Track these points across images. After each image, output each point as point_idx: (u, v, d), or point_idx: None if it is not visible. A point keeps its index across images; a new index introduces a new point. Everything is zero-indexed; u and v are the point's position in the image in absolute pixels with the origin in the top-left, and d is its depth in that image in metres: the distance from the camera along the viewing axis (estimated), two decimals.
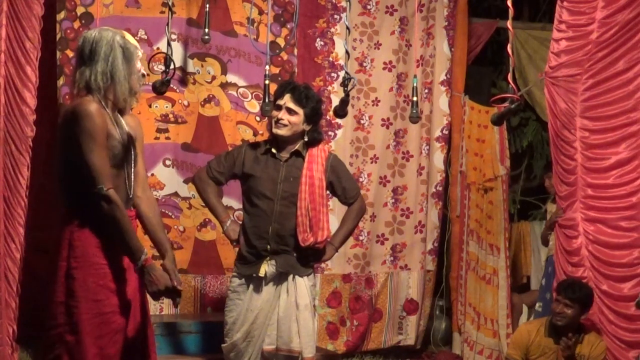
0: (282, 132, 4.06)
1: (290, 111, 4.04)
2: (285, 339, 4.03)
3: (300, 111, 4.05)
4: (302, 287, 4.06)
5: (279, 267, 4.04)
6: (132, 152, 3.21)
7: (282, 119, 4.03)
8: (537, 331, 4.55)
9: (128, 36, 3.21)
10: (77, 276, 2.96)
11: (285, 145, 4.11)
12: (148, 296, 3.17)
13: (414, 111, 3.99)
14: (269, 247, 4.04)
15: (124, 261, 3.10)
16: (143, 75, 3.26)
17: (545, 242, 5.80)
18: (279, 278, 4.06)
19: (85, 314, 2.95)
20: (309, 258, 4.13)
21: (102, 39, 3.10)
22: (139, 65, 3.22)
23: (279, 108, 4.06)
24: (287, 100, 4.05)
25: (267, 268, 4.03)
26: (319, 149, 4.15)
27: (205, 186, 4.24)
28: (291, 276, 4.06)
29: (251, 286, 4.06)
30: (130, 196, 3.19)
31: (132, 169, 3.20)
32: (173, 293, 3.13)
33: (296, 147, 4.11)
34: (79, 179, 3.02)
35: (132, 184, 3.19)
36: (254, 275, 4.04)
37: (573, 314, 4.41)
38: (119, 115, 3.19)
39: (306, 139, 4.11)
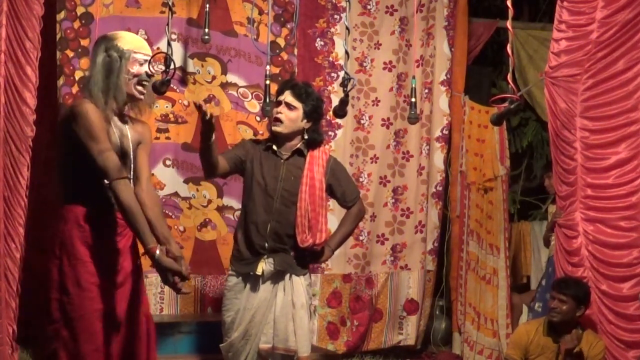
0: (279, 129, 4.05)
1: (289, 106, 4.04)
2: (281, 338, 4.02)
3: (300, 106, 4.05)
4: (298, 286, 4.06)
5: (277, 265, 4.03)
6: (131, 157, 3.26)
7: (280, 113, 4.04)
8: (536, 331, 4.55)
9: (127, 38, 3.23)
10: (69, 274, 3.02)
11: (285, 143, 4.11)
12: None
13: (413, 112, 3.99)
14: (267, 244, 4.03)
15: (117, 261, 3.13)
16: (148, 75, 3.29)
17: (547, 244, 5.80)
18: (276, 277, 4.05)
19: (79, 310, 3.01)
20: (307, 259, 4.13)
21: (97, 48, 3.23)
22: (137, 69, 3.25)
23: (279, 104, 4.07)
24: (286, 96, 4.06)
25: (264, 266, 4.02)
26: (320, 151, 4.15)
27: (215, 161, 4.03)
28: (288, 275, 4.05)
29: (248, 284, 4.05)
30: None
31: (131, 173, 3.25)
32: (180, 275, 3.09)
33: (298, 146, 4.11)
34: (74, 176, 3.07)
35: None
36: (251, 273, 4.03)
37: (567, 309, 4.42)
38: (120, 122, 3.26)
39: (306, 137, 4.11)
